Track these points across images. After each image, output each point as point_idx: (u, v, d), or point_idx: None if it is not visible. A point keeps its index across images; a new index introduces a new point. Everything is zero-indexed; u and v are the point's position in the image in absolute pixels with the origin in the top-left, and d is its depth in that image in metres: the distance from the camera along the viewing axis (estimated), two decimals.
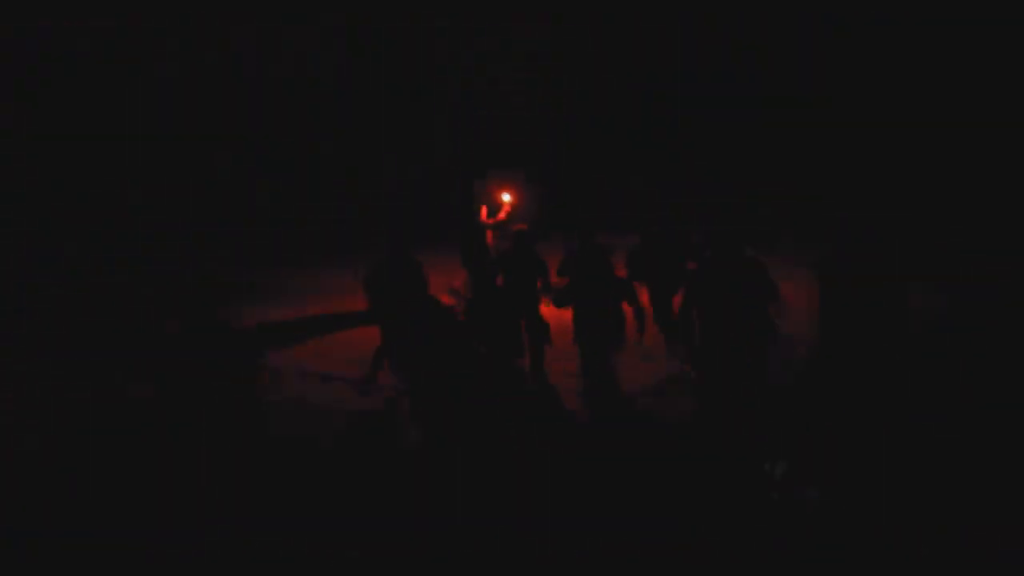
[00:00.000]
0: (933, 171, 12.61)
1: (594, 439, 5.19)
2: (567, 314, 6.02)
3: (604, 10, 14.87)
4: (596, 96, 15.18)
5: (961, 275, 8.99)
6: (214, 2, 14.11)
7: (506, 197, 8.56)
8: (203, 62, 14.20)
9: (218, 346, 4.70)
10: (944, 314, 7.52)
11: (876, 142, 13.49)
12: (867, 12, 13.69)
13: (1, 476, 4.58)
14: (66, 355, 7.02)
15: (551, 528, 3.91)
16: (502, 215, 8.41)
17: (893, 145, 13.28)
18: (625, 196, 12.87)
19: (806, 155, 13.79)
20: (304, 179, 14.35)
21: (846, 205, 12.53)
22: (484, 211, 8.46)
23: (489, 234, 8.53)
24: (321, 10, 14.72)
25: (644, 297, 6.70)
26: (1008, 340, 6.47)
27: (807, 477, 4.13)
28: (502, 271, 6.46)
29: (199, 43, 14.15)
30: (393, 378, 6.09)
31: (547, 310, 6.42)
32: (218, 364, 4.60)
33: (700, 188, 13.32)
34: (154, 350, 5.88)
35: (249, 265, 11.13)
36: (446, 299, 7.82)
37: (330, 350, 7.41)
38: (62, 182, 12.69)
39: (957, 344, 6.49)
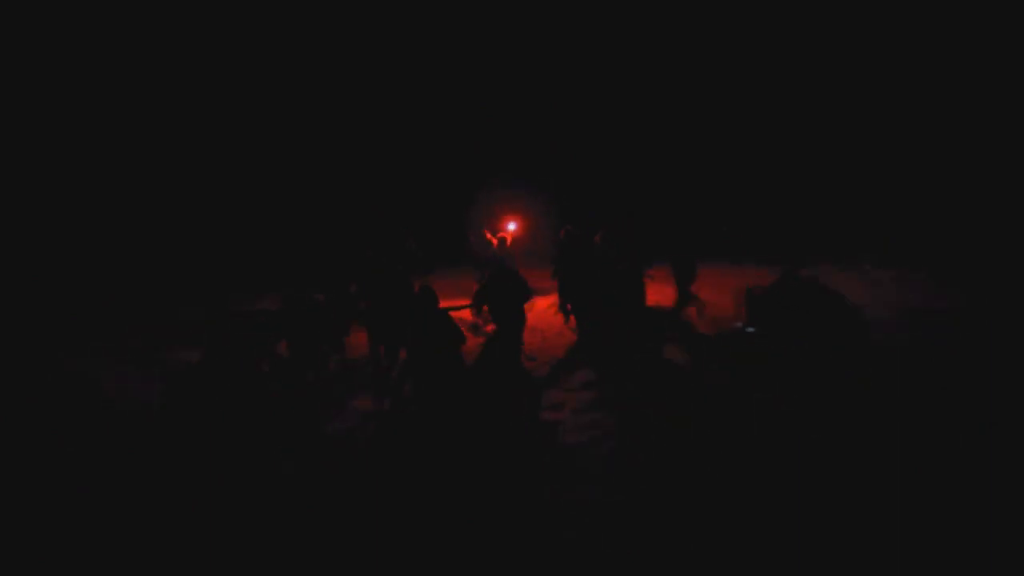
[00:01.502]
0: (932, 171, 12.63)
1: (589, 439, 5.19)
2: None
3: (604, 10, 14.89)
4: (596, 96, 15.18)
5: (959, 274, 8.99)
6: (214, 2, 14.13)
7: (511, 226, 8.71)
8: (203, 62, 14.21)
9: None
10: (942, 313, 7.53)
11: (875, 142, 13.52)
12: (867, 12, 13.73)
13: (1, 476, 4.58)
14: (66, 354, 7.02)
15: (549, 528, 3.91)
16: (508, 240, 8.45)
17: (892, 145, 13.31)
18: (626, 199, 12.87)
19: (805, 155, 13.81)
20: (303, 182, 14.32)
21: (845, 206, 12.58)
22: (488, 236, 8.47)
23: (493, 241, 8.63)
24: (321, 10, 14.74)
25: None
26: (1007, 339, 6.47)
27: None
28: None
29: (199, 43, 14.15)
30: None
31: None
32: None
33: (700, 190, 13.34)
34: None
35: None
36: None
37: None
38: (62, 182, 12.71)
39: (956, 342, 6.49)
